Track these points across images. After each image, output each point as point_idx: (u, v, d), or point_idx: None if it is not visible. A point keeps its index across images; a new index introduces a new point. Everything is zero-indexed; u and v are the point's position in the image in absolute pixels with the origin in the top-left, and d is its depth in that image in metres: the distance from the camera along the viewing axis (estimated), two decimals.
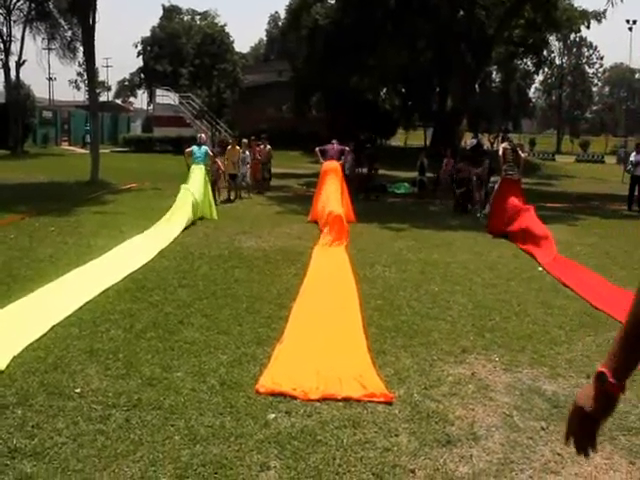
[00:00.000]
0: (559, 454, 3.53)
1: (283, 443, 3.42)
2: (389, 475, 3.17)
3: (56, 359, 4.47)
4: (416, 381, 4.42)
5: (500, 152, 11.93)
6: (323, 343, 5.03)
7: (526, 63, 40.60)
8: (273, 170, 18.45)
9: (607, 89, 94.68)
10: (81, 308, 5.64)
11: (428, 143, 48.14)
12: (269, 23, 72.67)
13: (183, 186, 11.41)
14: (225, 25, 45.90)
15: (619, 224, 13.50)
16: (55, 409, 3.73)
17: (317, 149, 13.32)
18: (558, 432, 3.78)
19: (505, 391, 4.36)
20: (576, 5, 30.59)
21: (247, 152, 15.38)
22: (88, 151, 30.48)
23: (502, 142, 12.51)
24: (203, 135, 13.95)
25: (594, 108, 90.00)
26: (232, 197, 14.92)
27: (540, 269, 8.52)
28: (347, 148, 13.52)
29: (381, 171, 19.39)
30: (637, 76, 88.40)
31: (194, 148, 12.56)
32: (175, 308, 5.82)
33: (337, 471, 3.18)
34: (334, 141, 13.65)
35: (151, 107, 42.40)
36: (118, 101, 45.16)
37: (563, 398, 4.27)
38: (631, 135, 66.30)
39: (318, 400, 3.99)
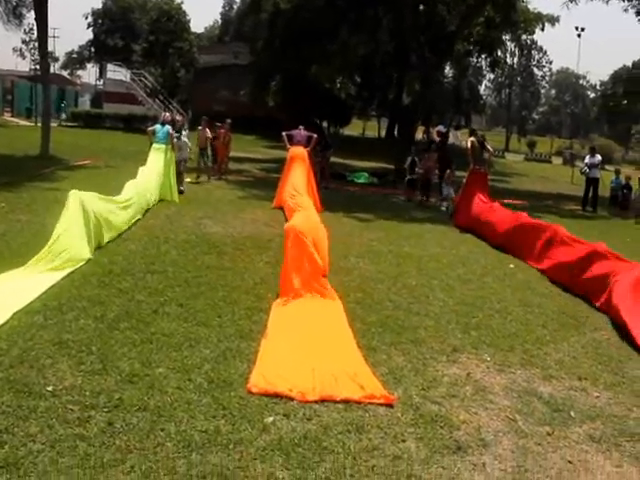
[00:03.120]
0: (570, 462, 3.41)
1: (287, 451, 3.13)
2: None
3: (21, 352, 4.01)
4: (412, 381, 4.22)
5: (468, 145, 11.91)
6: (310, 338, 4.75)
7: (479, 61, 41.28)
8: (231, 153, 17.97)
9: (553, 92, 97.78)
10: (45, 293, 5.14)
11: (383, 134, 48.47)
12: (224, 7, 71.25)
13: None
14: (182, 2, 44.58)
15: (577, 223, 13.77)
16: (25, 410, 3.31)
17: (284, 133, 12.95)
18: (564, 438, 3.68)
19: (503, 393, 4.22)
20: (531, 8, 31.20)
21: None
22: (33, 123, 29.00)
23: (469, 136, 12.49)
24: (168, 114, 13.30)
25: (540, 110, 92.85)
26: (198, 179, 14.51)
27: (511, 266, 8.51)
28: (314, 135, 13.19)
29: (338, 160, 19.20)
30: (581, 82, 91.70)
31: (157, 127, 11.97)
32: (147, 296, 5.40)
33: None
34: (301, 127, 13.30)
35: (101, 82, 40.62)
36: (64, 73, 43.09)
37: (561, 401, 4.18)
38: (575, 138, 68.85)
39: (316, 402, 3.72)
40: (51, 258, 5.89)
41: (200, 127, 15.14)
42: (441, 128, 15.45)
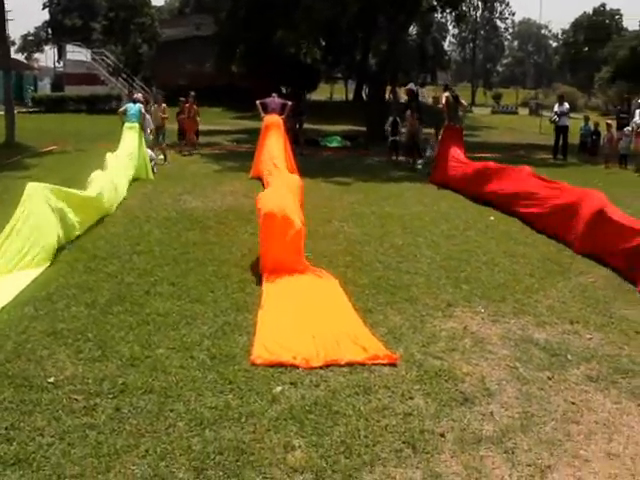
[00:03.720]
0: (573, 403, 3.50)
1: (300, 418, 3.15)
2: (421, 442, 2.99)
3: (16, 345, 3.93)
4: (412, 339, 4.27)
5: (443, 101, 11.87)
6: (306, 306, 4.75)
7: (444, 16, 40.86)
8: (199, 127, 17.63)
9: (516, 43, 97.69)
10: (32, 283, 5.03)
11: (350, 97, 47.98)
12: None
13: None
14: None
15: (549, 171, 13.89)
16: (29, 404, 3.25)
17: (258, 102, 12.69)
18: (564, 381, 3.77)
19: (501, 343, 4.30)
20: None
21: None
22: None
23: (444, 92, 12.41)
24: (140, 95, 12.91)
25: (504, 62, 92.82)
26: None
27: (492, 218, 8.59)
28: (289, 102, 12.97)
29: (309, 125, 18.97)
30: (544, 32, 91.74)
31: (129, 105, 11.66)
32: (136, 277, 5.32)
33: (366, 443, 2.96)
34: (274, 94, 13.06)
35: (60, 64, 39.21)
36: (21, 57, 41.37)
37: (556, 346, 4.27)
38: (539, 87, 69.15)
39: (321, 367, 3.74)
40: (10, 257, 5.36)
41: (155, 104, 14.51)
42: (412, 86, 15.18)
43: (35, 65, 47.39)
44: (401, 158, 15.07)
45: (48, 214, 5.91)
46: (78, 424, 3.09)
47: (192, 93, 15.67)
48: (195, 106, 15.55)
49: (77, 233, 6.57)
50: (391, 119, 15.15)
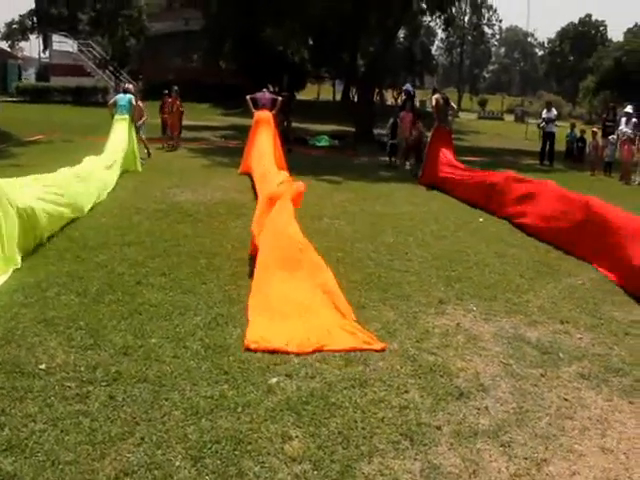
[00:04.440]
0: (566, 399, 3.53)
1: (297, 409, 3.13)
2: (418, 434, 2.99)
3: (6, 331, 3.85)
4: (406, 334, 4.27)
5: (433, 103, 11.95)
6: (297, 298, 4.71)
7: (433, 19, 41.05)
8: (185, 122, 17.52)
9: (503, 50, 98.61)
10: (20, 271, 4.94)
11: (338, 97, 48.05)
12: None
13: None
14: None
15: (536, 177, 13.99)
16: (20, 390, 3.18)
17: (248, 97, 12.61)
18: (557, 378, 3.80)
19: (493, 340, 4.32)
20: None
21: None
22: None
23: (433, 94, 12.48)
24: (131, 86, 12.74)
25: (491, 68, 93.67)
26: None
27: (481, 220, 8.65)
28: (279, 98, 12.91)
29: (296, 124, 18.91)
30: (530, 39, 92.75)
31: (119, 96, 11.50)
32: (127, 268, 5.26)
33: (364, 434, 2.95)
34: (264, 89, 13.01)
35: (46, 54, 38.59)
36: (5, 46, 40.66)
37: (548, 344, 4.31)
38: (524, 95, 69.90)
39: (313, 352, 3.76)
40: None
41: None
42: (408, 87, 15.12)
43: (19, 54, 46.65)
44: (407, 163, 14.25)
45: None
46: (71, 411, 3.04)
47: (175, 87, 15.36)
48: (178, 101, 15.30)
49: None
50: (392, 121, 14.49)
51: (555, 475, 2.80)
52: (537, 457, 2.92)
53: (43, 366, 3.45)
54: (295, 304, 4.54)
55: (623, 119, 15.26)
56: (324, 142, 19.32)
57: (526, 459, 2.90)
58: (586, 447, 3.04)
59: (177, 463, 2.67)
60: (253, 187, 9.39)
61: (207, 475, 2.60)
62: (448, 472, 2.74)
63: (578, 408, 3.43)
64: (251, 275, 5.22)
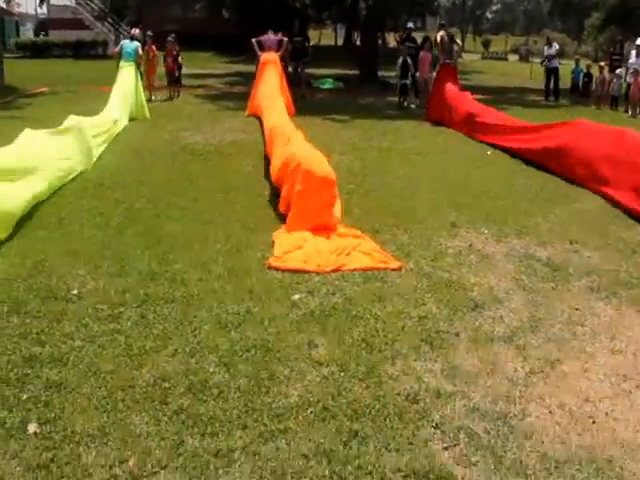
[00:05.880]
0: (577, 309, 3.66)
1: (321, 321, 3.29)
2: (437, 340, 3.15)
3: (36, 263, 3.99)
4: (421, 254, 4.41)
5: (438, 40, 11.76)
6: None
7: None
8: (189, 70, 17.28)
9: None
10: (39, 210, 5.06)
11: (340, 42, 46.92)
12: None
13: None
14: None
15: (541, 112, 13.90)
16: (56, 314, 3.34)
17: (253, 40, 12.40)
18: (567, 290, 3.93)
19: (505, 259, 4.45)
20: None
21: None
22: None
23: (439, 30, 12.25)
24: (137, 30, 12.50)
25: (494, 8, 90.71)
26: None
27: (489, 152, 8.65)
28: (285, 39, 12.68)
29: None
30: None
31: (125, 42, 11.30)
32: (145, 203, 5.37)
33: (386, 341, 3.11)
34: (269, 31, 12.76)
35: (42, 9, 37.71)
36: (1, 3, 39.67)
37: (558, 262, 4.43)
38: (528, 34, 67.91)
39: (332, 272, 3.90)
40: None
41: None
42: (411, 26, 14.78)
43: (15, 10, 45.58)
44: (412, 105, 13.90)
45: None
46: (106, 330, 3.20)
47: (172, 35, 14.92)
48: (177, 47, 14.88)
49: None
50: (401, 60, 13.42)
51: (568, 372, 2.96)
52: (551, 357, 3.07)
53: (75, 292, 3.60)
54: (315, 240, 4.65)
55: (633, 52, 14.93)
56: (328, 84, 19.05)
57: (540, 360, 3.05)
58: (596, 349, 3.20)
59: (211, 369, 2.84)
60: (261, 127, 9.37)
61: (240, 379, 2.77)
62: (467, 371, 2.91)
63: (588, 316, 3.57)
64: (269, 206, 5.34)
